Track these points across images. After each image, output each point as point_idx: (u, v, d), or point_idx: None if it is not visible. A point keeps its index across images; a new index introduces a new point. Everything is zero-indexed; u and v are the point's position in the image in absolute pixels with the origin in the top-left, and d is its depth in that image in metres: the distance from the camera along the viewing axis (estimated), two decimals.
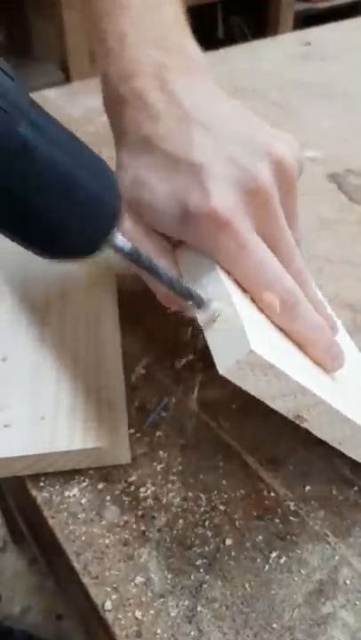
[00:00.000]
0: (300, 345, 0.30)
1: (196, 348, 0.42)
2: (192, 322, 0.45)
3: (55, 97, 0.77)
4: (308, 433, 0.37)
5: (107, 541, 0.32)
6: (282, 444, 0.36)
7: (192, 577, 0.30)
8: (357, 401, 0.33)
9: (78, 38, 1.64)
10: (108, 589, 0.30)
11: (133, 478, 0.34)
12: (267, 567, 0.31)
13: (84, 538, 0.32)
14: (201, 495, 0.34)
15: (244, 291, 0.29)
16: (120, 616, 0.29)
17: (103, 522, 0.33)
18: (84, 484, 0.34)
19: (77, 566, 0.31)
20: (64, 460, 0.34)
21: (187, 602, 0.30)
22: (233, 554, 0.31)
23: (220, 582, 0.30)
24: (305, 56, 0.86)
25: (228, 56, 0.91)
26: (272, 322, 0.30)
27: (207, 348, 0.29)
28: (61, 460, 0.34)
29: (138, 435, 0.37)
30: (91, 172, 0.23)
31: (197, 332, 0.44)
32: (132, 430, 0.37)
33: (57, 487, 0.34)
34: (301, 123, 0.71)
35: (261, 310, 0.29)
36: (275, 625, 0.29)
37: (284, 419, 0.38)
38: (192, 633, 0.29)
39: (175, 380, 0.40)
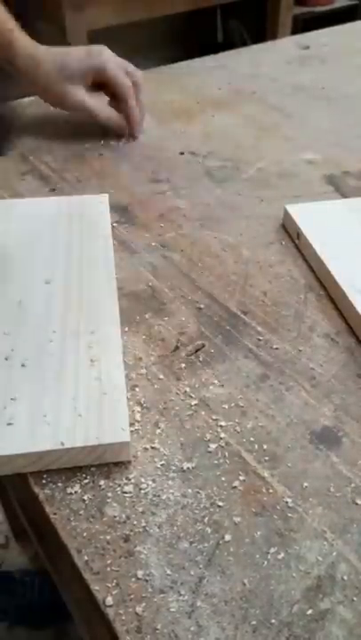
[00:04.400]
0: None
1: (197, 347, 0.43)
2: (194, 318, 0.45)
3: None
4: (305, 432, 0.37)
5: (108, 537, 0.32)
6: (280, 442, 0.37)
7: (192, 572, 0.31)
8: None
9: (80, 42, 1.65)
10: (109, 585, 0.30)
11: (134, 475, 0.35)
12: (265, 563, 0.31)
13: (85, 534, 0.32)
14: (200, 492, 0.34)
15: None
16: (121, 611, 0.29)
17: (104, 518, 0.33)
18: (86, 480, 0.35)
19: (79, 562, 0.31)
20: (66, 458, 0.34)
21: (187, 597, 0.30)
22: (232, 550, 0.32)
23: (219, 578, 0.31)
24: (304, 60, 0.86)
25: (228, 60, 0.92)
26: None
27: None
28: (63, 458, 0.34)
29: (139, 432, 0.37)
30: None
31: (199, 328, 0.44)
32: (133, 428, 0.37)
33: (59, 484, 0.34)
34: (300, 125, 0.72)
35: None
36: (273, 620, 0.29)
37: (284, 417, 0.38)
38: (192, 628, 0.29)
39: (175, 378, 0.41)
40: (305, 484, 0.35)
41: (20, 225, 0.53)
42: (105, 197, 0.57)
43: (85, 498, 0.34)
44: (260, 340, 0.44)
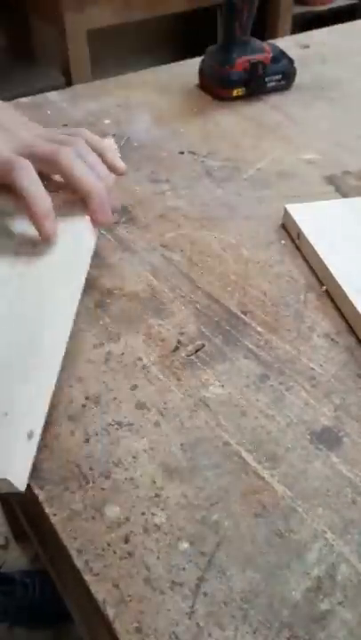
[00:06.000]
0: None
1: (197, 347, 0.43)
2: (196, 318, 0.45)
3: (58, 99, 0.77)
4: (305, 432, 0.37)
5: (108, 538, 0.32)
6: (280, 442, 0.37)
7: (192, 573, 0.31)
8: None
9: (79, 42, 1.65)
10: (109, 586, 0.30)
11: (134, 475, 0.35)
12: (265, 564, 0.31)
13: (85, 535, 0.32)
14: (200, 492, 0.34)
15: None
16: (121, 612, 0.29)
17: (104, 519, 0.33)
18: (86, 481, 0.34)
19: (79, 563, 0.31)
20: None
21: (187, 598, 0.30)
22: (232, 550, 0.32)
23: (219, 578, 0.31)
24: (303, 59, 0.86)
25: None
26: None
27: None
28: None
29: (139, 432, 0.37)
30: None
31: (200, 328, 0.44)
32: (133, 427, 0.37)
33: (59, 485, 0.34)
34: (300, 125, 0.72)
35: None
36: (274, 621, 0.29)
37: (284, 417, 0.38)
38: (192, 629, 0.29)
39: (175, 378, 0.41)
40: (305, 484, 0.35)
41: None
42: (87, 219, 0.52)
43: (85, 498, 0.34)
44: (260, 339, 0.44)
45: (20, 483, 0.32)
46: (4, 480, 0.31)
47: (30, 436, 0.34)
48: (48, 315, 0.39)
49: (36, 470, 0.35)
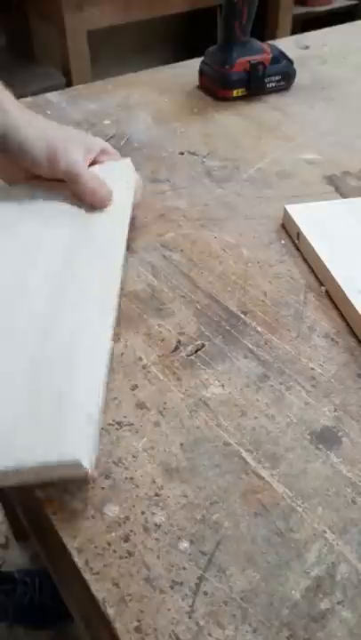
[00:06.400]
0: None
1: (197, 347, 0.43)
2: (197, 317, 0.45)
3: (59, 100, 0.77)
4: (305, 432, 0.37)
5: (108, 537, 0.32)
6: (280, 442, 0.37)
7: (191, 573, 0.31)
8: None
9: (79, 42, 1.65)
10: (109, 585, 0.30)
11: (134, 475, 0.35)
12: (265, 563, 0.31)
13: (85, 534, 0.32)
14: (200, 492, 0.34)
15: None
16: (121, 611, 0.29)
17: (104, 518, 0.33)
18: (86, 480, 0.35)
19: (79, 562, 0.31)
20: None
21: (186, 597, 0.30)
22: (232, 550, 0.32)
23: (219, 578, 0.31)
24: (303, 59, 0.86)
25: None
26: None
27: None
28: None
29: (139, 432, 0.37)
30: None
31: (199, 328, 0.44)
32: (133, 427, 0.37)
33: (59, 484, 0.34)
34: (300, 125, 0.72)
35: None
36: (273, 621, 0.29)
37: (284, 417, 0.38)
38: (192, 628, 0.29)
39: (175, 378, 0.41)
40: (305, 484, 0.35)
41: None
42: (128, 161, 0.54)
43: (85, 498, 0.34)
44: (260, 339, 0.44)
45: (89, 463, 0.32)
46: (74, 462, 0.31)
47: (90, 418, 0.34)
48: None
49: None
